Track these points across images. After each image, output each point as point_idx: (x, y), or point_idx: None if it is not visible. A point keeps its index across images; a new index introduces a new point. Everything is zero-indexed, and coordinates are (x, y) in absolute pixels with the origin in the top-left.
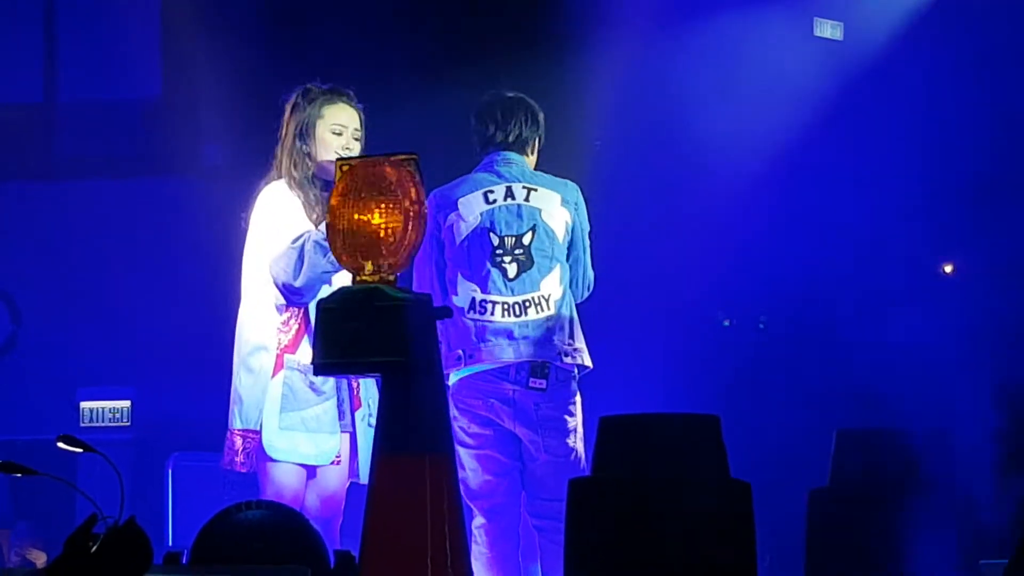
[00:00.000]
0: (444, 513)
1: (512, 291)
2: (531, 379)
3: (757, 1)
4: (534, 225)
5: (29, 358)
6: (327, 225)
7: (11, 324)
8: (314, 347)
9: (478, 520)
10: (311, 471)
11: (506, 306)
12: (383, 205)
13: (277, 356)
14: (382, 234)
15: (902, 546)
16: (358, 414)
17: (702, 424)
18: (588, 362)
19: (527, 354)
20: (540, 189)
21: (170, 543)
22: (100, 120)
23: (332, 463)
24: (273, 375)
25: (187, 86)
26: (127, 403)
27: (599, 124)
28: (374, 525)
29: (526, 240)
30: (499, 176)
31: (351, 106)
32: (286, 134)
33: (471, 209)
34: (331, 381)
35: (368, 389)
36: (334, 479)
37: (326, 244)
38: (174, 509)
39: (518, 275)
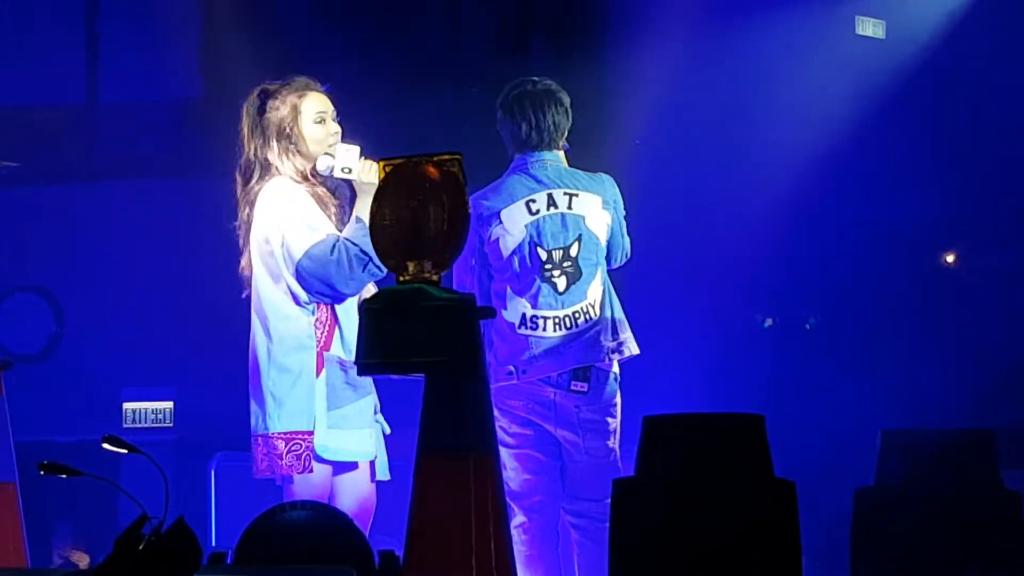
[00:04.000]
0: (489, 514)
1: (562, 304)
2: (572, 382)
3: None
4: (580, 235)
5: (72, 359)
6: (370, 226)
7: (54, 325)
8: (357, 347)
9: (518, 519)
10: (341, 470)
11: (557, 320)
12: (426, 205)
13: (317, 354)
14: (426, 234)
15: (949, 547)
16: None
17: (746, 424)
18: (635, 349)
19: (574, 361)
20: (581, 193)
21: (214, 544)
22: (143, 120)
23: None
24: (317, 374)
25: (228, 87)
26: (170, 404)
27: (639, 122)
28: (418, 526)
29: (573, 252)
30: (537, 181)
31: (319, 91)
32: (267, 140)
33: (515, 222)
34: (368, 377)
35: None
36: (366, 477)
37: (364, 256)
38: (217, 510)
39: (567, 288)
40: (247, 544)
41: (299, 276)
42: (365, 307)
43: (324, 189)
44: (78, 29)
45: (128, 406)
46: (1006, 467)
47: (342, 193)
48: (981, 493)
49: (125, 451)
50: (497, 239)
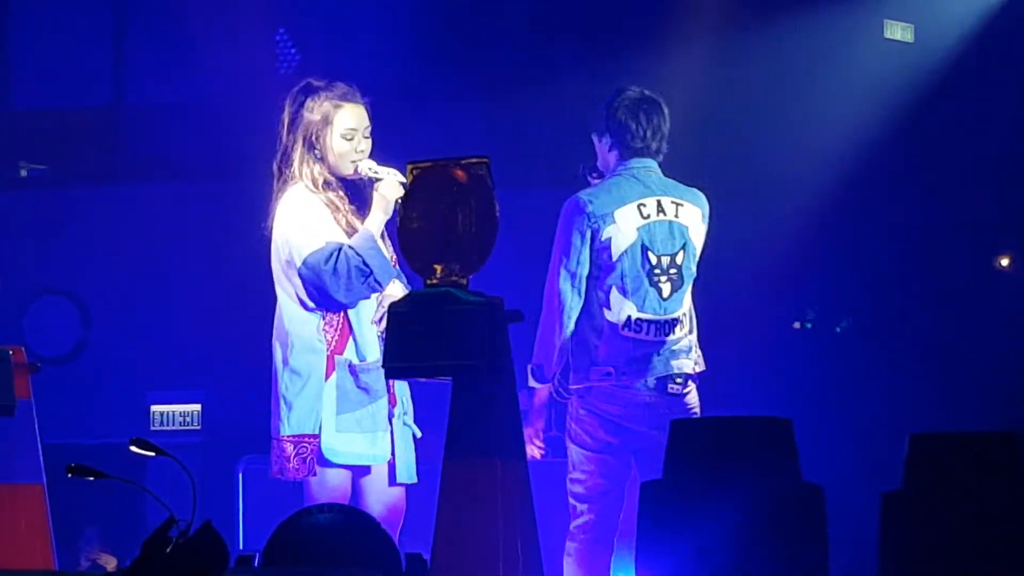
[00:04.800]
0: (516, 518)
1: (664, 311)
2: (670, 385)
3: (827, 3)
4: (684, 244)
5: (100, 362)
6: (399, 229)
7: (82, 328)
8: (384, 350)
9: (580, 520)
10: (361, 473)
11: (659, 325)
12: (454, 209)
13: (328, 358)
14: (453, 237)
15: (976, 551)
16: (394, 411)
17: (775, 427)
18: (704, 365)
19: (671, 367)
20: (685, 204)
21: (241, 547)
22: (170, 123)
23: (388, 462)
24: (326, 378)
25: (257, 89)
26: (197, 406)
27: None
28: (445, 529)
29: (679, 260)
30: (645, 186)
31: (357, 103)
32: (295, 141)
33: (628, 223)
34: (381, 379)
35: (401, 386)
36: (385, 480)
37: (366, 268)
38: (244, 512)
39: (671, 295)
40: (274, 547)
41: (302, 282)
42: (392, 310)
43: (339, 196)
44: (105, 32)
45: (156, 409)
46: None
47: (359, 201)
48: (1009, 496)
49: (153, 454)
50: (609, 239)
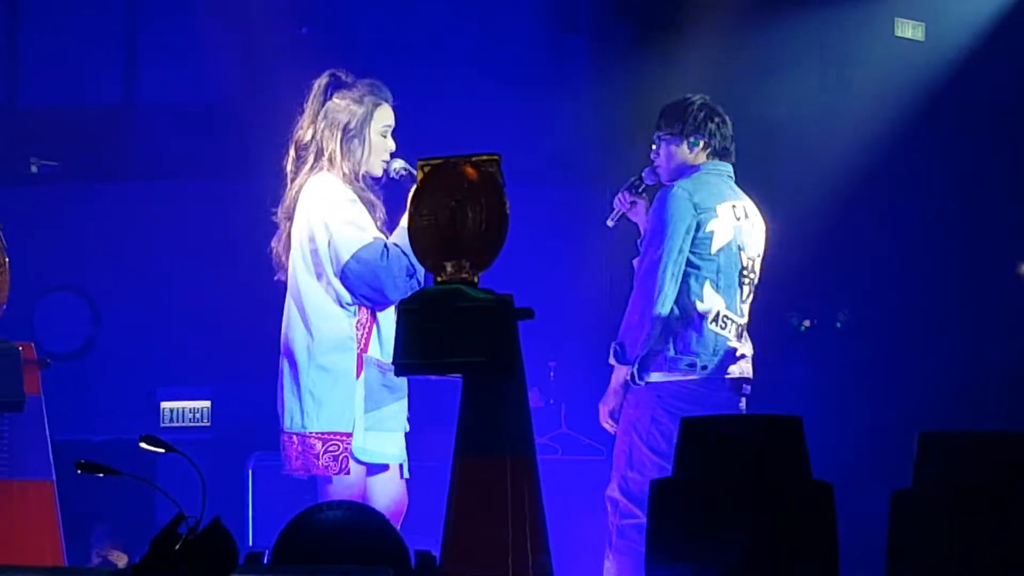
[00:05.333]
0: (525, 515)
1: (741, 313)
2: (743, 386)
3: (837, 1)
4: (760, 250)
5: (109, 358)
6: (408, 226)
7: (91, 324)
8: (395, 347)
9: (632, 521)
10: (376, 470)
11: (737, 326)
12: (464, 206)
13: (357, 356)
14: (464, 235)
15: (988, 549)
16: None
17: (784, 425)
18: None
19: (746, 372)
20: (758, 215)
21: (251, 543)
22: (180, 121)
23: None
24: (357, 375)
25: (265, 88)
26: (207, 403)
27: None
28: (455, 526)
29: (756, 266)
30: (731, 189)
31: (390, 104)
32: (332, 130)
33: (726, 221)
34: (403, 379)
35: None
36: (397, 477)
37: (412, 268)
38: (254, 509)
39: (746, 298)
40: (284, 544)
41: (344, 277)
42: (403, 307)
43: (372, 194)
44: (115, 30)
45: (165, 405)
46: None
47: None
48: (1020, 496)
49: (163, 450)
50: (711, 233)
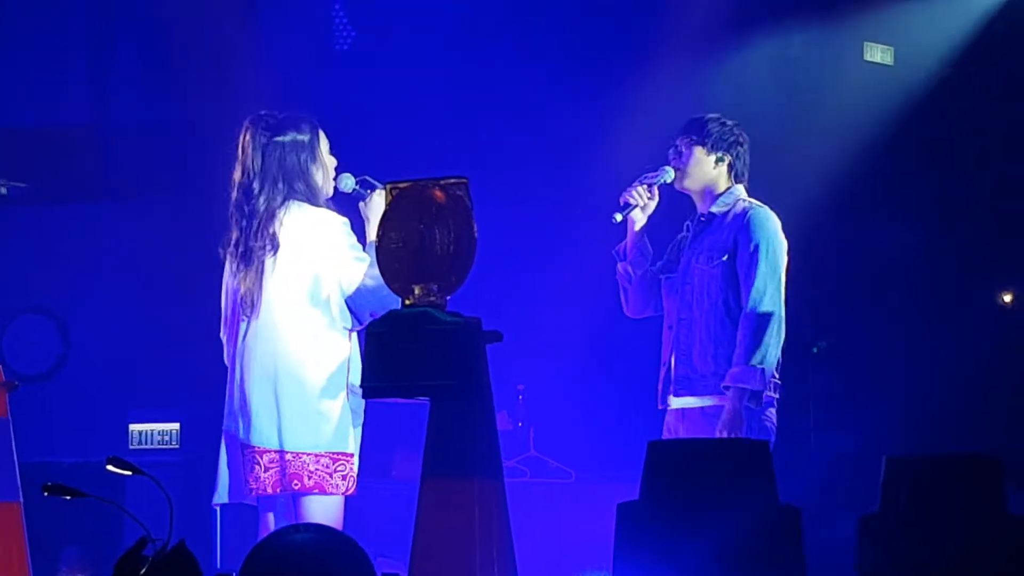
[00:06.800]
0: (493, 538)
1: None
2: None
3: (807, 25)
4: None
5: (79, 380)
6: (377, 249)
7: (62, 346)
8: (363, 370)
9: None
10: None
11: None
12: (432, 229)
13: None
14: (432, 258)
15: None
16: None
17: (751, 449)
18: None
19: None
20: None
21: (219, 566)
22: (149, 141)
23: None
24: (348, 396)
25: (232, 108)
26: (176, 425)
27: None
28: (423, 549)
29: None
30: None
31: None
32: (311, 161)
33: None
34: (362, 401)
35: None
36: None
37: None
38: (223, 532)
39: None
40: (251, 567)
41: (355, 301)
42: (370, 330)
43: (338, 214)
44: (84, 50)
45: (135, 427)
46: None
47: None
48: (986, 519)
49: (129, 473)
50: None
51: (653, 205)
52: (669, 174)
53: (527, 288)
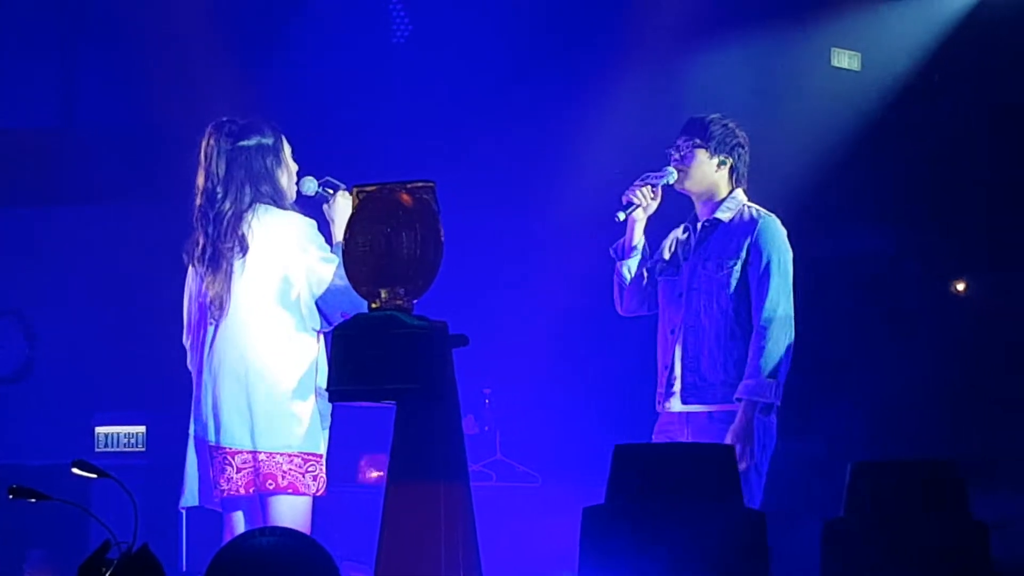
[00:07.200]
0: (459, 542)
1: None
2: None
3: (774, 31)
4: None
5: (44, 382)
6: (343, 253)
7: (27, 348)
8: (329, 373)
9: None
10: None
11: None
12: (399, 232)
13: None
14: (398, 261)
15: None
16: None
17: (717, 454)
18: None
19: None
20: None
21: (184, 569)
22: (114, 144)
23: None
24: (317, 398)
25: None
26: (142, 428)
27: (613, 155)
28: (388, 551)
29: None
30: None
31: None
32: (276, 165)
33: None
34: (329, 404)
35: None
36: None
37: None
38: (188, 536)
39: None
40: (216, 571)
41: (326, 301)
42: (337, 333)
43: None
44: (51, 53)
45: (100, 430)
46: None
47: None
48: (948, 524)
49: (94, 476)
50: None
51: (655, 205)
52: (673, 175)
53: (494, 292)
